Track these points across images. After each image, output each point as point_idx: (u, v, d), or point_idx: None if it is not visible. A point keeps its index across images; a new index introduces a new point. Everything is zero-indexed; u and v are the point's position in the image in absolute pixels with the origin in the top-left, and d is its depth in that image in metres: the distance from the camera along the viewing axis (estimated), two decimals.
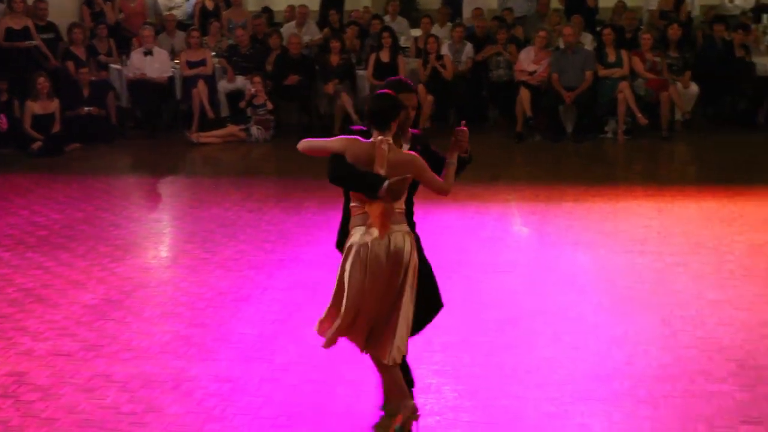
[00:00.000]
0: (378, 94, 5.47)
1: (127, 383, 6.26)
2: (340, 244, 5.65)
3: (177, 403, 5.97)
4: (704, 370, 6.28)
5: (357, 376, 6.29)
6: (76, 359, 6.66)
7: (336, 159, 5.37)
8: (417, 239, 5.53)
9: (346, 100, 14.39)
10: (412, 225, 5.52)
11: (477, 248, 8.94)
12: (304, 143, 5.55)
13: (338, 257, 8.78)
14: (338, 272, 5.51)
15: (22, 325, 7.30)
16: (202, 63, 15.11)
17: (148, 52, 15.01)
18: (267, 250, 9.04)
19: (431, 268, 5.68)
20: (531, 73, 14.35)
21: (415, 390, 5.74)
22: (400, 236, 5.33)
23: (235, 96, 15.06)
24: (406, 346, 5.36)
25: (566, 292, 7.78)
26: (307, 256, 8.85)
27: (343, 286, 5.46)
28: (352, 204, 5.46)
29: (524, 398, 5.96)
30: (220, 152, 14.03)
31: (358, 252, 5.33)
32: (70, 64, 14.84)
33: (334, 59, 14.74)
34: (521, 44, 15.16)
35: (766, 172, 12.20)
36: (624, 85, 13.88)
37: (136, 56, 15.05)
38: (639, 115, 13.85)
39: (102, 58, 15.51)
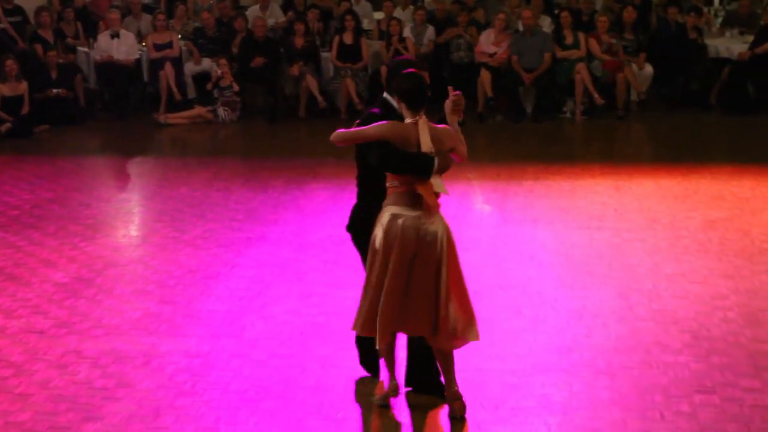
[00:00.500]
0: (408, 74, 5.42)
1: (98, 359, 6.23)
2: (358, 226, 5.59)
3: (148, 378, 5.96)
4: (660, 342, 6.35)
5: (325, 351, 6.31)
6: (48, 336, 6.62)
7: (382, 145, 5.26)
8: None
9: (310, 82, 14.34)
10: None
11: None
12: (339, 135, 5.45)
13: (305, 236, 8.81)
14: (373, 256, 5.35)
15: None
16: (169, 45, 14.98)
17: (115, 35, 14.86)
18: (235, 229, 9.01)
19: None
20: (491, 55, 14.36)
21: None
22: (437, 219, 5.39)
23: (201, 78, 14.95)
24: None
25: (527, 267, 7.82)
26: (274, 234, 8.83)
27: (384, 267, 5.29)
28: (391, 183, 5.34)
29: (487, 370, 6.00)
30: (187, 133, 13.95)
31: (398, 230, 5.26)
32: (38, 47, 14.66)
33: (299, 42, 14.67)
34: (482, 27, 15.15)
35: (718, 150, 12.32)
36: (581, 67, 13.93)
37: (103, 39, 14.90)
38: (596, 95, 13.90)
39: (69, 41, 15.34)
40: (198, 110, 14.47)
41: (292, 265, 8.00)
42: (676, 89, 14.86)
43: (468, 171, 11.01)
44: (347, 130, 5.45)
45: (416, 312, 5.32)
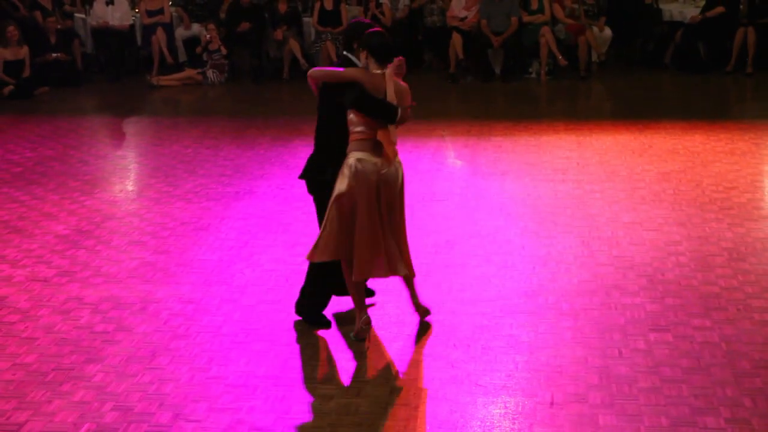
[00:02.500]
0: (376, 31, 5.57)
1: (98, 305, 6.21)
2: (327, 175, 5.60)
3: (145, 322, 5.94)
4: (619, 285, 6.38)
5: None
6: (51, 284, 6.58)
7: (358, 86, 5.43)
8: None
9: (293, 45, 14.22)
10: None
11: (415, 180, 8.91)
12: (317, 71, 5.68)
13: (290, 190, 8.79)
14: (334, 196, 5.47)
15: (1, 253, 7.20)
16: (160, 12, 14.80)
17: (110, 2, 14.66)
18: (224, 183, 8.96)
19: None
20: (462, 19, 14.26)
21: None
22: (397, 161, 5.56)
23: (191, 42, 14.80)
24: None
25: (495, 217, 7.82)
26: (260, 188, 8.79)
27: (343, 209, 5.45)
28: (355, 129, 5.46)
29: (459, 313, 6.01)
30: (178, 94, 13.81)
31: (364, 174, 5.41)
32: (38, 14, 14.46)
33: (282, 7, 14.52)
34: None
35: (672, 107, 12.30)
36: (546, 30, 13.85)
37: (98, 6, 14.71)
38: (559, 57, 13.84)
39: (67, 8, 15.15)
40: (188, 72, 14.34)
41: (278, 217, 7.97)
42: (633, 51, 14.83)
43: (441, 128, 11.00)
44: (324, 68, 5.64)
45: (389, 249, 5.53)
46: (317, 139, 5.83)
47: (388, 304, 6.13)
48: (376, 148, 5.47)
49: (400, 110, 5.44)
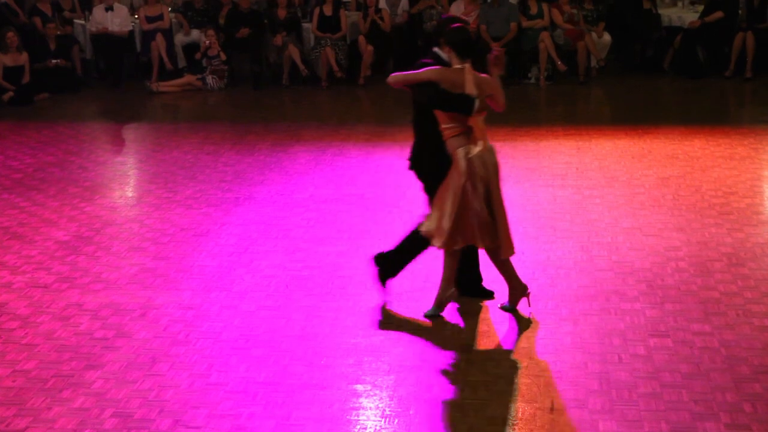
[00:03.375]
0: (459, 27, 5.92)
1: (98, 312, 6.21)
2: (421, 164, 6.07)
3: (145, 329, 5.95)
4: (618, 291, 6.38)
5: (309, 302, 6.30)
6: (51, 290, 6.59)
7: (431, 86, 5.76)
8: None
9: (293, 51, 14.22)
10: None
11: (415, 185, 8.90)
12: (396, 77, 6.03)
13: (290, 196, 8.81)
14: (447, 187, 5.82)
15: (1, 260, 7.20)
16: (160, 18, 14.81)
17: (109, 8, 14.67)
18: (224, 189, 8.96)
19: None
20: None
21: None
22: (492, 149, 5.91)
23: (190, 48, 14.79)
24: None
25: None
26: (260, 194, 8.79)
27: (455, 197, 5.78)
28: (445, 126, 5.82)
29: (459, 318, 6.01)
30: (178, 100, 13.82)
31: (470, 166, 5.75)
32: (37, 20, 14.47)
33: (282, 13, 14.53)
34: None
35: (671, 112, 12.32)
36: (545, 35, 13.86)
37: (98, 12, 14.71)
38: (558, 62, 13.86)
39: (67, 14, 15.15)
40: (188, 78, 14.34)
41: (278, 222, 7.98)
42: (632, 56, 14.83)
43: None
44: (403, 73, 5.96)
45: (498, 230, 5.86)
46: (413, 129, 6.19)
47: (387, 309, 6.13)
48: (472, 138, 5.81)
49: (477, 101, 5.71)
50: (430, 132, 5.93)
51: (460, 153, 5.78)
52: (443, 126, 5.85)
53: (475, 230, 5.83)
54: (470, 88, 5.75)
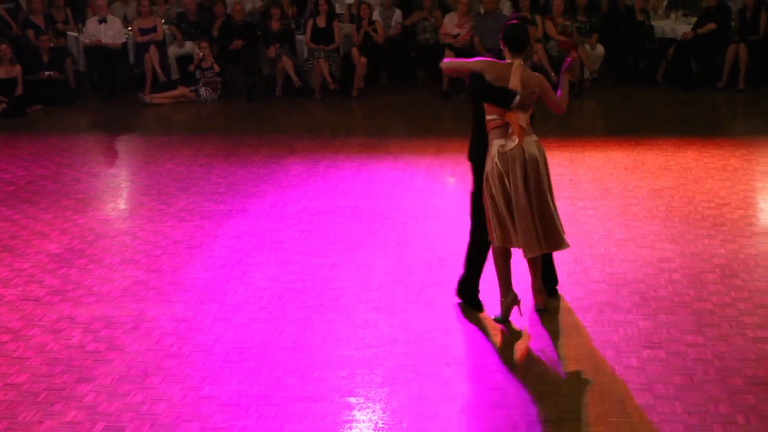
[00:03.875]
0: (512, 24, 6.09)
1: (90, 324, 6.20)
2: (474, 156, 6.20)
3: (137, 341, 5.93)
4: (612, 302, 6.38)
5: (301, 315, 6.30)
6: (43, 303, 6.57)
7: (477, 76, 5.98)
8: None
9: (286, 63, 14.23)
10: None
11: (408, 197, 8.94)
12: (448, 63, 6.45)
13: (283, 208, 8.81)
14: (486, 189, 5.97)
15: None
16: (153, 30, 14.81)
17: (103, 20, 14.66)
18: (217, 202, 8.96)
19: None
20: (455, 37, 14.30)
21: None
22: (533, 145, 5.95)
23: (184, 60, 14.79)
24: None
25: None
26: (253, 206, 8.78)
27: (495, 198, 5.93)
28: (488, 118, 5.99)
29: (452, 331, 6.01)
30: (171, 112, 13.82)
31: (499, 164, 5.88)
32: (30, 32, 14.46)
33: (275, 25, 14.54)
34: (447, 9, 15.07)
35: (664, 123, 12.33)
36: (538, 47, 13.87)
37: (91, 24, 14.71)
38: (552, 74, 13.88)
39: (60, 26, 15.13)
40: (181, 90, 14.35)
41: (271, 235, 7.97)
42: (625, 67, 14.88)
43: (435, 146, 11.01)
44: (455, 59, 6.34)
45: (546, 228, 5.97)
46: (473, 121, 6.27)
47: (380, 322, 6.13)
48: (510, 133, 5.91)
49: (519, 97, 5.84)
50: (480, 123, 6.11)
51: (493, 147, 5.94)
52: (487, 117, 6.00)
53: (508, 229, 5.93)
54: (514, 83, 5.86)
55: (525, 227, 5.87)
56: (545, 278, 6.34)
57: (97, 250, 7.70)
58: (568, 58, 6.28)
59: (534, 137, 5.98)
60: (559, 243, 6.04)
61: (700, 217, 8.12)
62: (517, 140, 5.86)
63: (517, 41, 6.00)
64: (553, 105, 6.20)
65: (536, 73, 6.12)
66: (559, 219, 6.06)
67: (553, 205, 6.05)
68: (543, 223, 5.95)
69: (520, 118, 5.89)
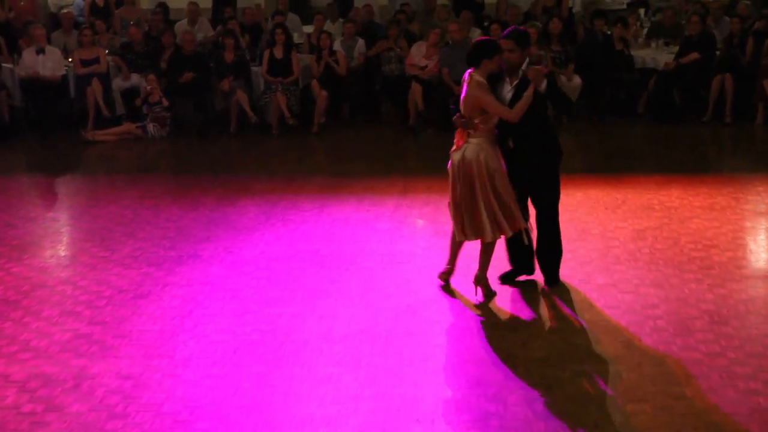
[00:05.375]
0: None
1: (26, 383, 6.12)
2: None
3: (78, 401, 5.87)
4: (593, 352, 6.41)
5: (259, 370, 6.26)
6: None
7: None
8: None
9: (241, 97, 14.27)
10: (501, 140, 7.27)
11: (373, 240, 8.96)
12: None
13: (238, 253, 8.82)
14: None
15: None
16: (96, 61, 14.82)
17: (41, 51, 14.65)
18: (166, 247, 8.92)
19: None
20: (422, 68, 14.41)
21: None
22: (471, 148, 7.13)
23: (130, 94, 14.81)
24: (501, 229, 7.27)
25: (461, 280, 7.83)
26: (206, 252, 8.76)
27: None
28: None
29: (422, 385, 6.00)
30: (116, 150, 13.79)
31: (450, 165, 7.28)
32: None
33: (229, 56, 14.60)
34: (414, 39, 15.18)
35: (647, 160, 12.48)
36: None
37: (28, 55, 14.68)
38: None
39: None
40: (127, 126, 14.35)
41: (225, 283, 7.94)
42: (604, 100, 15.05)
43: (401, 184, 11.05)
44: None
45: (471, 220, 7.31)
46: None
47: (344, 377, 6.11)
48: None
49: (458, 113, 7.23)
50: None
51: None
52: None
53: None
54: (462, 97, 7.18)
55: (452, 216, 7.38)
56: (544, 267, 7.59)
57: (34, 301, 7.63)
58: (536, 67, 7.06)
59: (480, 141, 7.12)
60: (478, 232, 7.26)
61: (687, 260, 8.19)
62: (459, 151, 7.20)
63: (468, 55, 7.16)
64: (494, 112, 7.10)
65: (474, 83, 7.06)
66: (494, 214, 7.17)
67: (488, 202, 7.14)
68: (469, 216, 7.22)
69: (460, 131, 7.21)
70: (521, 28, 7.64)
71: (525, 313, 7.11)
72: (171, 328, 6.99)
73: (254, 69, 14.90)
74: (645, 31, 16.20)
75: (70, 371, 6.28)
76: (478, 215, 7.18)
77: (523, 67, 7.22)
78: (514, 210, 7.23)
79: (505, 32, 7.34)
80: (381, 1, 17.76)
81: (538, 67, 7.25)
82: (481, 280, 7.43)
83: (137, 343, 6.74)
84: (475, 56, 7.12)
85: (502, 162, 7.25)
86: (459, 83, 13.82)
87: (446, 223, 9.44)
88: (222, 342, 6.72)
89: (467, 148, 7.14)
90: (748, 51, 14.19)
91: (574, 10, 17.10)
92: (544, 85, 7.16)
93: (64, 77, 14.86)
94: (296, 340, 6.72)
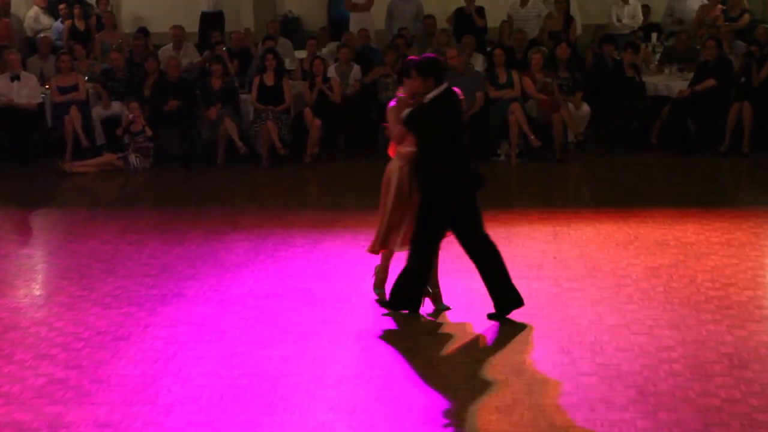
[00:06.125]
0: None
1: None
2: None
3: None
4: (605, 398, 6.37)
5: (247, 417, 6.23)
6: None
7: None
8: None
9: (229, 126, 14.29)
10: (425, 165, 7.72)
11: (369, 278, 8.92)
12: None
13: (225, 292, 8.82)
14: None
15: None
16: (75, 88, 14.85)
17: (15, 77, 14.69)
18: (148, 285, 8.90)
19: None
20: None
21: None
22: (393, 164, 7.99)
23: (111, 122, 14.82)
24: (389, 242, 8.07)
25: (463, 319, 7.81)
26: (191, 290, 8.73)
27: None
28: None
29: None
30: (95, 182, 13.81)
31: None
32: None
33: (216, 83, 14.63)
34: None
35: (660, 192, 12.50)
36: (515, 107, 14.08)
37: (2, 81, 14.71)
38: (531, 136, 14.05)
39: None
40: (107, 157, 14.35)
41: (211, 323, 7.92)
42: (614, 129, 15.09)
43: None
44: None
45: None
46: None
47: (339, 425, 6.08)
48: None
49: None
50: None
51: None
52: None
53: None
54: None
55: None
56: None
57: (6, 343, 7.59)
58: (398, 94, 7.94)
59: (400, 163, 7.90)
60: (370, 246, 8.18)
61: (704, 299, 8.18)
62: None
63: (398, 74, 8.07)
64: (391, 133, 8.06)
65: (395, 104, 7.93)
66: (384, 227, 8.01)
67: (386, 215, 7.98)
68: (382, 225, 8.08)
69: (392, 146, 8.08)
70: (431, 56, 8.12)
71: (531, 358, 7.07)
72: (153, 372, 6.95)
73: (243, 96, 14.95)
74: (657, 56, 16.26)
75: (44, 419, 6.23)
76: (384, 223, 8.03)
77: (432, 95, 7.70)
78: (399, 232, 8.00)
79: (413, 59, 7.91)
80: (378, 25, 17.83)
81: (401, 95, 7.90)
82: (376, 287, 8.35)
83: (116, 388, 6.70)
84: (399, 75, 8.00)
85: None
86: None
87: (449, 260, 9.45)
88: (208, 386, 6.69)
89: (394, 160, 7.99)
90: (763, 75, 14.16)
91: (578, 34, 17.20)
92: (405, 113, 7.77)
93: (41, 105, 14.91)
94: (287, 384, 6.68)
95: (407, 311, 7.93)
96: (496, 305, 7.78)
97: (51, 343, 7.56)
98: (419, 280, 7.88)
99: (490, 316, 7.76)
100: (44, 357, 7.29)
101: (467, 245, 7.88)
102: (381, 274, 8.30)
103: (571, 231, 10.42)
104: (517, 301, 7.76)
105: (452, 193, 7.73)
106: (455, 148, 7.75)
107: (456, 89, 7.95)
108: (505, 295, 7.77)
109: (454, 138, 7.75)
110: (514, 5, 17.33)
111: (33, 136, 15.02)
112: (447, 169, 7.68)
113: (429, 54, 8.33)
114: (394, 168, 7.94)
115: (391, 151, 8.08)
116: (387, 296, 8.10)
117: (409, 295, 7.92)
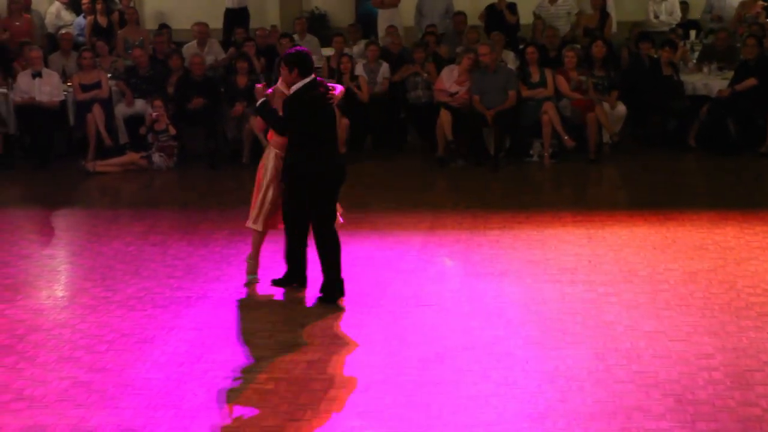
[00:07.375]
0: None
1: None
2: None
3: None
4: (641, 407, 6.36)
5: (274, 422, 6.25)
6: None
7: None
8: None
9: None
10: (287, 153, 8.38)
11: (399, 281, 8.95)
12: None
13: (250, 295, 8.84)
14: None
15: None
16: (97, 86, 14.93)
17: (37, 75, 14.77)
18: (173, 287, 8.95)
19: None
20: (452, 95, 14.41)
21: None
22: (268, 150, 8.75)
23: (134, 121, 14.89)
24: (259, 223, 8.83)
25: (494, 326, 7.82)
26: (216, 292, 8.78)
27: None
28: None
29: None
30: (119, 182, 13.88)
31: None
32: None
33: (242, 80, 14.67)
34: (441, 62, 15.21)
35: (698, 195, 12.44)
36: (549, 106, 14.04)
37: (23, 79, 14.80)
38: (565, 137, 14.02)
39: None
40: (130, 156, 14.41)
41: (237, 326, 7.95)
42: (651, 129, 15.03)
43: (429, 221, 11.05)
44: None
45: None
46: None
47: (368, 430, 6.09)
48: None
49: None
50: None
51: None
52: None
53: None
54: None
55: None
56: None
57: (29, 346, 7.65)
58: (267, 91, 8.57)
59: (274, 151, 8.62)
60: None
61: (744, 305, 8.15)
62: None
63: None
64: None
65: (271, 92, 8.50)
66: (260, 204, 8.78)
67: (261, 195, 8.77)
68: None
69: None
70: (301, 48, 8.58)
71: (564, 365, 7.06)
72: (178, 376, 6.99)
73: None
74: (696, 54, 16.19)
75: (68, 423, 6.29)
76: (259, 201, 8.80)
77: (295, 87, 8.20)
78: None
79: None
80: (407, 21, 17.84)
81: (259, 85, 8.86)
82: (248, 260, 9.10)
83: (141, 392, 6.75)
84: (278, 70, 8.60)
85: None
86: (490, 109, 13.97)
87: (478, 263, 9.46)
88: (233, 391, 6.72)
89: (269, 146, 8.79)
90: None
91: (613, 31, 17.14)
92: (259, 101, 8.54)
93: (63, 103, 14.98)
94: (315, 389, 6.70)
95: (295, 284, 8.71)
96: (323, 288, 8.45)
97: (74, 346, 7.62)
98: (298, 256, 8.73)
99: (275, 282, 8.82)
100: (68, 359, 7.35)
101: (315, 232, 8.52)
102: (252, 260, 9.07)
103: (606, 234, 10.40)
104: (341, 292, 8.42)
105: (308, 183, 8.28)
106: (317, 139, 8.23)
107: (322, 80, 8.38)
108: (333, 283, 8.42)
109: (316, 129, 8.23)
110: (542, 3, 17.26)
111: (55, 134, 15.10)
112: (308, 158, 8.23)
113: (300, 47, 8.73)
114: (269, 154, 8.73)
115: (269, 136, 8.79)
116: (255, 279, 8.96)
117: (296, 272, 8.75)
